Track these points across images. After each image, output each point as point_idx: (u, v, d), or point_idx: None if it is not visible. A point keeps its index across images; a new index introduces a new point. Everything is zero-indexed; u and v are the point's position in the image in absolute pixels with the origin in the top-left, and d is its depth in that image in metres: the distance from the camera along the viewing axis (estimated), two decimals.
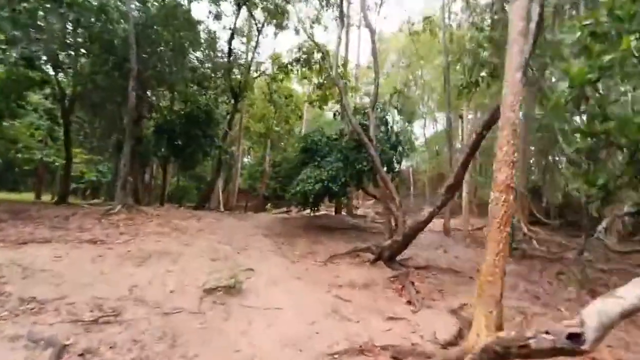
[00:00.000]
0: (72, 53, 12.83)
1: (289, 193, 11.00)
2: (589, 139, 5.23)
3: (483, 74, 12.91)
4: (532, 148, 25.92)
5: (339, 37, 10.26)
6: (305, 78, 18.03)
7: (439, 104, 27.84)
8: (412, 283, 6.77)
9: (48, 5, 10.62)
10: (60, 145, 24.98)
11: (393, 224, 9.36)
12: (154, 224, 9.40)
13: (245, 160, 36.44)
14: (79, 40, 12.25)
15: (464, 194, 23.75)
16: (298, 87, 25.22)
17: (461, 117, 30.76)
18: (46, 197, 28.56)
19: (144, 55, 12.61)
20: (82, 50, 12.42)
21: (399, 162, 12.21)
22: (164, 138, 13.78)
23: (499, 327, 3.71)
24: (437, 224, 20.61)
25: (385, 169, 11.28)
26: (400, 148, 11.65)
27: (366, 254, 8.32)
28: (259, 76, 17.84)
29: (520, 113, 15.83)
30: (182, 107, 14.94)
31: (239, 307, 4.76)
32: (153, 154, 13.70)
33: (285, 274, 6.56)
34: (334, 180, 10.30)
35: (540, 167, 25.93)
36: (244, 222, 12.02)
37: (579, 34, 5.58)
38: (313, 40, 13.99)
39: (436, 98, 30.01)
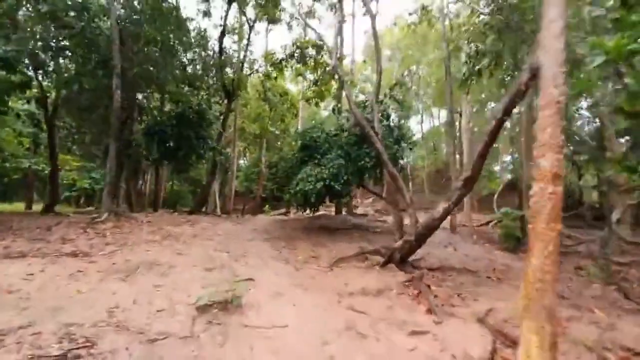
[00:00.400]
0: (53, 53, 12.03)
1: (288, 194, 10.29)
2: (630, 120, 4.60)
3: (484, 62, 12.31)
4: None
5: (339, 21, 9.54)
6: (300, 75, 17.32)
7: (435, 98, 27.25)
8: (429, 287, 6.11)
9: (25, 2, 9.86)
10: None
11: (401, 222, 8.74)
12: (144, 231, 8.66)
13: (241, 162, 35.71)
14: (60, 38, 11.47)
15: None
16: (292, 87, 24.52)
17: (459, 112, 30.19)
18: (38, 207, 27.68)
19: (131, 55, 11.87)
20: (65, 51, 11.61)
21: (402, 157, 11.55)
22: (155, 140, 13.02)
23: (553, 346, 3.04)
24: None
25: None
26: (403, 143, 10.99)
27: (375, 256, 7.64)
28: (252, 74, 17.12)
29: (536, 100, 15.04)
30: (173, 107, 14.16)
31: (238, 327, 4.05)
32: (144, 157, 12.92)
33: (289, 283, 5.86)
34: (335, 179, 9.62)
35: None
36: (242, 225, 11.29)
37: (610, 2, 4.95)
38: (311, 27, 13.29)
39: (432, 93, 29.44)
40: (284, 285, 5.73)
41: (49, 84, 13.21)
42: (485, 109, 28.91)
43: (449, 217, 20.00)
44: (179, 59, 14.86)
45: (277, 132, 26.27)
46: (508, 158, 41.01)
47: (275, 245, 8.70)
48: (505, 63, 12.12)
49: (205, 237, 8.59)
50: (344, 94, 6.80)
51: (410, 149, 11.27)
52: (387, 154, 10.17)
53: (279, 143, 24.71)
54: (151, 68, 12.35)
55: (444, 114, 39.09)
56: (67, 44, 11.22)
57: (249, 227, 10.94)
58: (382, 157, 6.94)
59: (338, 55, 16.58)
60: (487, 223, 15.75)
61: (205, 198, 16.41)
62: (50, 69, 12.47)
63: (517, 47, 12.00)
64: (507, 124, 28.62)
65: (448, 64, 13.34)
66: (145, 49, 12.37)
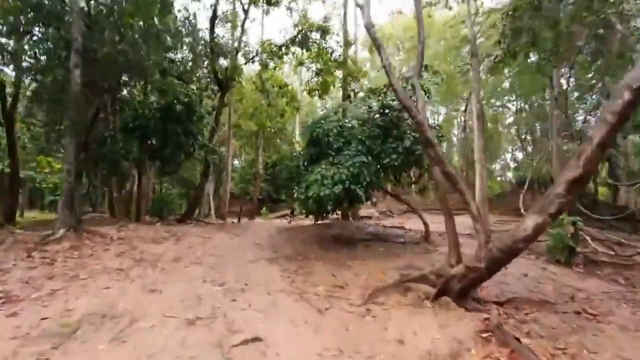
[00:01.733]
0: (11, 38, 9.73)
1: (297, 199, 8.16)
2: None
3: (520, 41, 10.30)
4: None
5: None
6: (302, 64, 15.17)
7: (441, 93, 25.28)
8: (518, 340, 4.05)
9: None
10: (31, 151, 21.58)
11: (428, 231, 6.66)
12: (110, 253, 6.45)
13: (237, 162, 33.42)
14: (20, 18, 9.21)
15: (478, 186, 21.27)
16: (292, 80, 22.29)
17: (464, 109, 28.37)
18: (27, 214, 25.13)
19: (104, 35, 9.62)
20: (19, 29, 9.30)
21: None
22: (135, 137, 10.79)
23: None
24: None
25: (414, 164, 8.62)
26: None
27: (420, 284, 5.54)
28: (247, 62, 14.95)
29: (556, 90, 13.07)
30: (158, 99, 11.91)
31: None
32: (122, 157, 10.69)
33: (316, 344, 3.74)
34: (356, 180, 7.51)
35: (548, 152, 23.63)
36: (240, 238, 9.11)
37: None
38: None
39: (437, 87, 27.44)
40: (309, 349, 3.60)
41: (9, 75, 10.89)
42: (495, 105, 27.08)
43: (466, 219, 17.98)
44: (164, 43, 12.60)
45: (275, 130, 24.07)
46: (509, 155, 39.28)
47: (284, 267, 6.55)
48: (545, 43, 10.12)
49: (193, 260, 6.41)
50: (380, 63, 4.79)
51: (440, 145, 9.18)
52: (415, 151, 8.15)
53: (278, 141, 22.49)
54: (128, 50, 10.08)
55: (442, 110, 37.26)
56: (22, 20, 8.93)
57: (249, 240, 8.77)
58: (435, 151, 4.85)
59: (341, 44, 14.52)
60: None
61: (197, 203, 14.19)
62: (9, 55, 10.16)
63: (558, 24, 10.03)
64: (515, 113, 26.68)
65: (474, 47, 11.31)
66: (122, 29, 10.11)
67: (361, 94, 9.02)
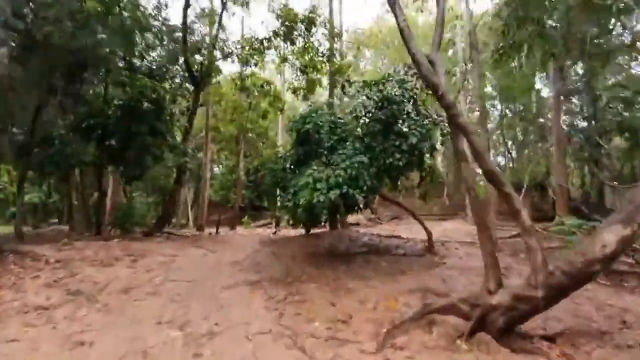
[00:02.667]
0: None
1: (282, 207, 6.76)
2: None
3: (526, 31, 9.36)
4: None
5: None
6: (286, 60, 13.84)
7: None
8: None
9: None
10: None
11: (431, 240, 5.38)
12: (39, 282, 4.85)
13: (217, 169, 31.61)
14: None
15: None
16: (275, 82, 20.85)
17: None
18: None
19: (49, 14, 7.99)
20: None
21: (432, 155, 8.29)
22: (90, 137, 9.14)
23: None
24: (448, 229, 16.90)
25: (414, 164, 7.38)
26: (435, 136, 7.65)
27: (447, 315, 4.23)
28: (226, 57, 13.50)
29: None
30: (122, 95, 10.26)
31: None
32: (75, 159, 8.98)
33: None
34: (355, 184, 6.20)
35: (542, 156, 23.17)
36: (215, 254, 7.59)
37: None
38: None
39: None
40: None
41: None
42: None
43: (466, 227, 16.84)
44: (130, 33, 11.04)
45: (257, 133, 22.54)
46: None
47: (270, 294, 5.10)
48: (552, 34, 9.19)
49: (149, 290, 4.88)
50: (403, 35, 3.55)
51: (443, 143, 8.01)
52: (419, 149, 6.94)
53: (261, 144, 20.96)
54: (82, 36, 8.50)
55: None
56: None
57: (226, 257, 7.26)
58: (471, 142, 3.59)
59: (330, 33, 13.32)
60: (518, 235, 12.72)
61: (169, 213, 12.50)
62: None
63: (568, 12, 9.16)
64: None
65: (474, 40, 10.32)
66: (75, 13, 8.52)
67: (355, 87, 7.78)
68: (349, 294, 5.27)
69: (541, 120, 21.74)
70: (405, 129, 6.94)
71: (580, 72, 17.95)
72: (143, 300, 4.48)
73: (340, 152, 6.66)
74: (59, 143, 8.58)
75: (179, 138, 12.73)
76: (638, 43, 12.64)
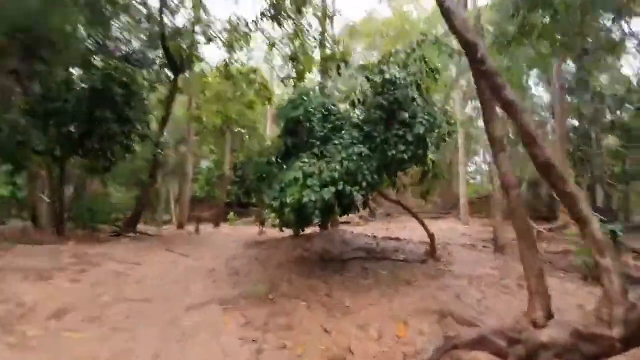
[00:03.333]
0: None
1: (268, 207, 5.66)
2: None
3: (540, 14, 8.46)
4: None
5: None
6: (274, 46, 12.67)
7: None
8: None
9: None
10: None
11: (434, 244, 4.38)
12: None
13: (204, 164, 30.15)
14: None
15: (462, 190, 19.60)
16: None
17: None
18: None
19: None
20: None
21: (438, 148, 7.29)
22: (48, 124, 7.85)
23: None
24: (442, 229, 16.00)
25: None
26: (443, 127, 6.61)
27: (477, 351, 3.25)
28: (209, 42, 12.26)
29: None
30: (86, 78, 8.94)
31: None
32: (30, 149, 7.68)
33: None
34: (353, 180, 5.16)
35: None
36: (188, 260, 6.46)
37: None
38: None
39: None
40: None
41: None
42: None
43: (457, 226, 15.93)
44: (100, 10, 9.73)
45: (244, 125, 21.24)
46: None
47: (248, 317, 4.02)
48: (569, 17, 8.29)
49: (88, 314, 3.74)
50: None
51: (451, 136, 6.97)
52: (422, 143, 5.95)
53: (247, 137, 19.72)
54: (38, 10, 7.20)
55: None
56: None
57: (200, 265, 6.14)
58: (527, 129, 2.56)
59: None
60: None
61: (142, 209, 11.24)
62: None
63: None
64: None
65: (479, 24, 9.34)
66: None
67: (352, 69, 6.76)
68: (346, 315, 4.24)
69: (536, 118, 21.08)
70: (410, 118, 5.93)
71: (574, 69, 17.33)
72: (77, 331, 3.35)
73: (336, 142, 5.61)
74: (9, 129, 7.26)
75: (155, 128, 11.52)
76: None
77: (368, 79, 6.02)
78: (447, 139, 6.56)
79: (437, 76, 6.87)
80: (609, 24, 10.75)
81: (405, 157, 5.64)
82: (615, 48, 13.58)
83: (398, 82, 6.00)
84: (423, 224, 7.83)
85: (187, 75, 15.26)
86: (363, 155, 5.41)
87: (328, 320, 4.08)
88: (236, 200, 24.09)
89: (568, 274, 7.60)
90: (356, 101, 6.54)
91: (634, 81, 17.36)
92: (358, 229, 13.67)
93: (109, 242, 8.17)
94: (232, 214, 23.02)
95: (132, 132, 8.46)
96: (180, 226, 16.22)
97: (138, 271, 5.34)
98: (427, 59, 6.91)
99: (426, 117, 5.82)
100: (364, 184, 5.25)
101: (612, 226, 7.14)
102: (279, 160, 6.69)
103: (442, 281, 5.91)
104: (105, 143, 8.35)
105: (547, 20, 8.42)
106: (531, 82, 22.53)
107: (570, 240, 10.77)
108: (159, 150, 9.48)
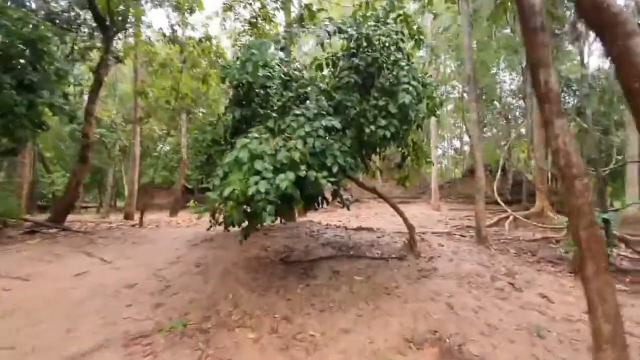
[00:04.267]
0: None
1: (208, 199, 4.17)
2: None
3: None
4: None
5: None
6: (231, 9, 10.81)
7: None
8: None
9: None
10: None
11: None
12: None
13: (162, 147, 27.44)
14: None
15: (433, 174, 18.94)
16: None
17: None
18: None
19: None
20: None
21: (421, 127, 6.08)
22: None
23: None
24: (421, 214, 15.16)
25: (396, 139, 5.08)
26: (428, 100, 5.37)
27: None
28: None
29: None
30: None
31: None
32: None
33: None
34: (320, 163, 3.82)
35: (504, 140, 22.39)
36: (105, 271, 4.86)
37: None
38: None
39: None
40: None
41: None
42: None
43: (430, 209, 15.22)
44: None
45: (202, 109, 19.09)
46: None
47: None
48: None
49: None
50: None
51: (434, 112, 5.74)
52: (419, 111, 4.72)
53: (201, 115, 17.61)
54: None
55: None
56: None
57: (118, 279, 4.56)
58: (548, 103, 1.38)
59: None
60: (502, 220, 11.23)
61: (72, 198, 9.25)
62: None
63: None
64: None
65: None
66: None
67: (319, 19, 5.32)
68: (310, 353, 2.95)
69: (506, 101, 20.77)
70: (392, 85, 4.61)
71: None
72: None
73: (298, 113, 4.18)
74: None
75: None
76: None
77: (340, 30, 4.58)
78: (436, 111, 5.32)
79: (421, 38, 5.56)
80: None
81: (387, 134, 4.34)
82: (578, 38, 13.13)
83: (379, 38, 4.64)
84: (402, 215, 6.70)
85: (127, 40, 13.00)
86: (333, 130, 4.05)
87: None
88: (197, 185, 22.11)
89: (556, 266, 6.84)
90: (324, 64, 5.12)
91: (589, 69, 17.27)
92: (325, 217, 12.50)
93: (11, 242, 6.32)
94: (192, 201, 21.02)
95: (35, 102, 6.47)
96: (128, 216, 14.19)
97: (17, 294, 3.71)
98: (409, 18, 5.59)
99: (412, 83, 4.53)
100: (335, 169, 3.91)
101: (604, 215, 6.39)
102: (226, 137, 5.18)
103: (428, 285, 4.80)
104: (6, 117, 6.34)
105: None
106: (497, 69, 22.16)
107: (546, 228, 10.33)
108: (74, 127, 7.53)
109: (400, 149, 6.19)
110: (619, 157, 15.29)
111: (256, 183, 3.27)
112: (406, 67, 4.75)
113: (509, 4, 7.65)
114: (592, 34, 12.71)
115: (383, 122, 4.36)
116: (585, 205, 1.88)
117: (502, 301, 4.61)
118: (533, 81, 2.04)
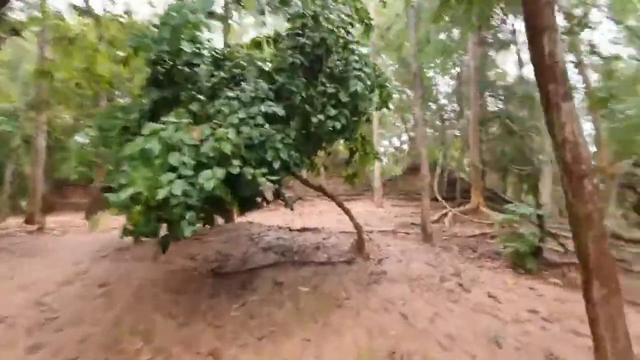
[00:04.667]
0: None
1: (109, 202, 3.19)
2: None
3: None
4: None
5: None
6: None
7: None
8: None
9: None
10: None
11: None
12: None
13: (78, 139, 23.88)
14: None
15: (376, 172, 19.08)
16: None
17: None
18: None
19: None
20: None
21: (369, 119, 5.68)
22: None
23: None
24: (365, 212, 15.02)
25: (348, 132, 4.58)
26: (381, 89, 4.95)
27: None
28: None
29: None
30: None
31: None
32: None
33: None
34: (257, 157, 3.10)
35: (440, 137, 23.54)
36: None
37: None
38: None
39: None
40: None
41: None
42: None
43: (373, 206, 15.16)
44: None
45: (126, 97, 16.78)
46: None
47: None
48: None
49: None
50: None
51: (386, 102, 5.36)
52: (371, 100, 4.24)
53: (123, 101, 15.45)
54: None
55: None
56: None
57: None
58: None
59: None
60: (442, 217, 11.47)
61: None
62: None
63: None
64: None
65: None
66: None
67: None
68: None
69: (441, 102, 21.76)
70: (341, 71, 4.06)
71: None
72: None
73: (231, 95, 3.39)
74: None
75: None
76: None
77: (284, 2, 3.87)
78: (388, 102, 4.90)
79: (371, 22, 5.11)
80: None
81: (338, 125, 3.77)
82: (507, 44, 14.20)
83: (326, 17, 4.04)
84: (349, 214, 6.25)
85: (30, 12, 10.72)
86: (275, 118, 3.36)
87: None
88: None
89: (495, 261, 6.99)
90: (264, 42, 4.38)
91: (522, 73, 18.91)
92: (267, 216, 11.68)
93: None
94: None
95: None
96: (29, 220, 11.80)
97: None
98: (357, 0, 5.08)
99: (365, 70, 4.02)
100: (276, 165, 3.23)
101: (537, 210, 6.68)
102: (142, 125, 4.16)
103: (380, 293, 4.38)
104: None
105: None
106: (432, 73, 23.23)
107: (483, 224, 10.85)
108: None
109: (348, 143, 5.72)
110: (536, 159, 16.91)
111: (170, 182, 2.45)
112: (357, 52, 4.23)
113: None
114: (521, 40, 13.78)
115: (333, 112, 3.79)
116: (595, 212, 1.45)
117: (454, 304, 4.37)
118: (534, 54, 1.57)
